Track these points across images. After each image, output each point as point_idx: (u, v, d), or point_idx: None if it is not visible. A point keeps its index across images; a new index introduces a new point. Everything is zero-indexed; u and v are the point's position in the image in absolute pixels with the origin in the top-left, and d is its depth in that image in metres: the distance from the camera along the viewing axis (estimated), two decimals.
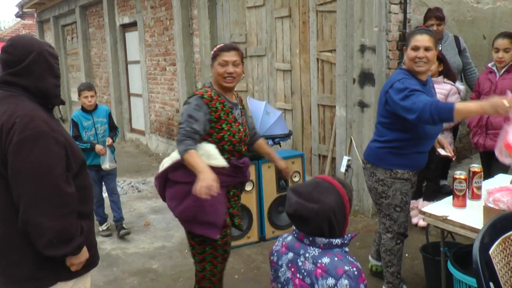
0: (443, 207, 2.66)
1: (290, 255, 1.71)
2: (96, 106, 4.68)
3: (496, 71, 3.85)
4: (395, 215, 2.96)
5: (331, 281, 1.55)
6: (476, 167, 2.72)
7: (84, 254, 1.98)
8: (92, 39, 11.66)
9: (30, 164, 1.80)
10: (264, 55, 6.22)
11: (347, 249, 1.66)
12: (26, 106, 1.88)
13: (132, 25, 9.53)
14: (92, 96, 4.58)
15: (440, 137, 3.07)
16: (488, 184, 2.80)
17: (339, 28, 4.82)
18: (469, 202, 2.67)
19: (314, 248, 1.65)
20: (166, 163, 2.65)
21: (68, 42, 13.74)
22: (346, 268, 1.56)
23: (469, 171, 2.71)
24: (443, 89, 4.02)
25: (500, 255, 1.78)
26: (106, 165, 4.59)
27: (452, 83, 4.05)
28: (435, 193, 4.19)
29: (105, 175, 4.75)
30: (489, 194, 2.33)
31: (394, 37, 4.59)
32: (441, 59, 4.02)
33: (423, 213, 2.66)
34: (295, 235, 1.72)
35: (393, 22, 4.56)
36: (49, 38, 14.88)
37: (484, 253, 1.68)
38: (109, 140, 4.65)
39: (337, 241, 1.63)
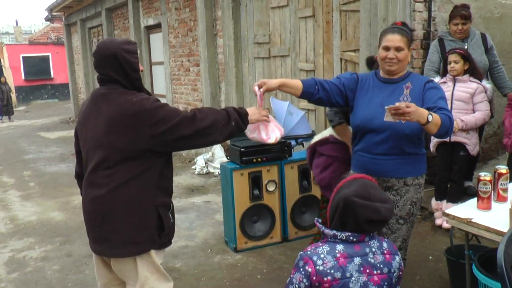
0: (467, 209, 2.61)
1: (357, 260, 1.69)
2: None
3: None
4: None
5: (397, 258, 1.76)
6: (502, 168, 2.66)
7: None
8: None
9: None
10: (287, 55, 6.21)
11: None
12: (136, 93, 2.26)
13: (157, 26, 9.65)
14: None
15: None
16: None
17: (363, 27, 4.78)
18: (494, 204, 2.61)
19: (373, 241, 1.75)
20: (317, 137, 3.46)
21: (94, 44, 13.99)
22: (392, 242, 1.78)
23: (495, 172, 2.65)
24: (469, 87, 3.95)
25: None
26: None
27: (479, 82, 3.96)
28: (459, 195, 4.11)
29: None
30: None
31: (418, 36, 4.52)
32: (466, 57, 3.95)
33: (447, 215, 2.61)
34: (354, 240, 1.70)
35: (418, 20, 4.50)
36: (76, 40, 15.20)
37: (509, 257, 1.65)
38: None
39: None
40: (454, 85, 4.00)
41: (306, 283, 1.67)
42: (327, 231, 1.75)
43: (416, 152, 2.61)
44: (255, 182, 4.11)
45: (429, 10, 4.53)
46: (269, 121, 2.51)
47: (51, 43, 24.17)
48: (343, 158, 3.27)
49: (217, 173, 6.94)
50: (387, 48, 2.55)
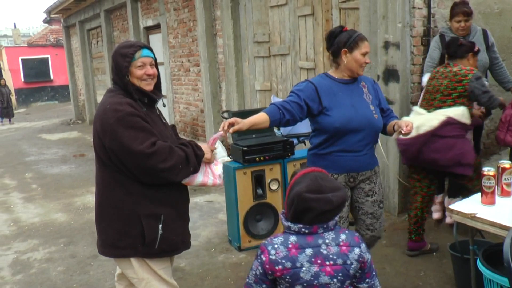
0: (471, 205, 2.62)
1: (309, 251, 1.75)
2: None
3: None
4: None
5: (357, 250, 1.76)
6: (506, 163, 2.66)
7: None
8: (117, 42, 11.85)
9: None
10: (287, 54, 6.22)
11: None
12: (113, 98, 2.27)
13: (156, 27, 9.65)
14: None
15: (398, 121, 2.82)
16: None
17: (363, 25, 4.78)
18: (498, 199, 2.62)
19: (328, 232, 1.77)
20: (422, 127, 3.48)
21: (93, 46, 14.00)
22: (356, 234, 1.81)
23: (498, 167, 2.65)
24: None
25: None
26: None
27: None
28: (459, 189, 4.12)
29: None
30: None
31: (418, 33, 4.53)
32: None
33: (451, 210, 2.62)
34: (306, 231, 1.76)
35: (417, 17, 4.50)
36: (75, 42, 15.20)
37: None
38: None
39: (337, 217, 1.81)
40: None
41: (261, 271, 1.79)
42: (283, 223, 1.83)
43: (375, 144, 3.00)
44: (258, 181, 4.12)
45: (429, 7, 4.54)
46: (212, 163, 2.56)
47: (50, 45, 24.17)
48: (463, 135, 3.59)
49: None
50: (366, 54, 2.75)
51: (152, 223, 2.25)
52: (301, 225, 1.76)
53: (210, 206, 5.63)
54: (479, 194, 2.67)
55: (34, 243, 4.85)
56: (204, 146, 2.46)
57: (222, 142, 7.49)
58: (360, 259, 1.77)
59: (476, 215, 2.46)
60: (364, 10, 4.74)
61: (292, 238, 1.77)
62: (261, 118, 2.69)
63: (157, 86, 2.43)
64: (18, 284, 3.95)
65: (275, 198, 4.20)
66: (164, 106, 2.69)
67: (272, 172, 4.16)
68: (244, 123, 2.58)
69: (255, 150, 4.05)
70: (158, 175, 2.20)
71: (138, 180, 2.23)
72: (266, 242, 1.82)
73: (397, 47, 4.46)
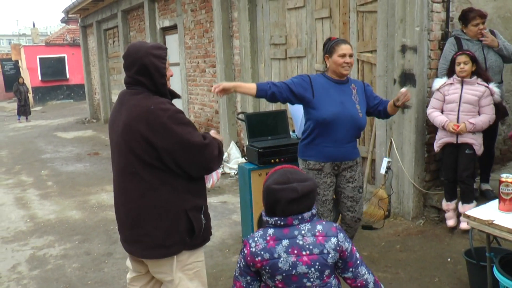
0: (488, 211, 2.60)
1: (285, 242, 1.83)
2: None
3: None
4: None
5: (333, 239, 1.83)
6: None
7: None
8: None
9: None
10: (304, 56, 6.22)
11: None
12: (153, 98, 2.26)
13: (173, 28, 9.72)
14: None
15: (392, 100, 3.28)
16: None
17: (380, 28, 4.77)
18: None
19: (304, 224, 1.85)
20: None
21: (109, 46, 14.14)
22: (334, 225, 1.89)
23: None
24: (476, 90, 3.94)
25: None
26: None
27: (486, 85, 3.94)
28: (472, 194, 4.08)
29: None
30: None
31: (436, 37, 4.51)
32: (474, 59, 3.95)
33: (468, 216, 2.61)
34: (282, 223, 1.85)
35: (435, 21, 4.48)
36: (92, 42, 15.37)
37: None
38: None
39: (314, 210, 1.88)
40: (462, 87, 3.98)
41: (244, 263, 1.90)
42: (262, 218, 1.94)
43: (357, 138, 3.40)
44: None
45: (447, 11, 4.51)
46: None
47: (67, 45, 24.45)
48: None
49: (233, 174, 6.97)
50: (343, 55, 3.18)
51: (197, 215, 2.34)
52: (276, 218, 1.85)
53: (224, 207, 5.66)
54: (496, 200, 2.65)
55: (50, 240, 4.92)
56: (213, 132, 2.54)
57: (236, 143, 7.53)
58: (338, 248, 1.83)
59: (494, 222, 2.45)
60: (382, 14, 4.73)
61: (270, 231, 1.86)
62: (248, 84, 3.23)
63: None
64: (35, 280, 4.01)
65: None
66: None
67: None
68: (229, 84, 3.09)
69: (270, 152, 4.07)
70: (208, 166, 2.32)
71: (184, 176, 2.28)
72: (248, 236, 1.93)
73: (414, 51, 4.44)
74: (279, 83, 3.19)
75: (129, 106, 2.26)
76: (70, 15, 16.19)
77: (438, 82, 4.20)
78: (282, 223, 1.85)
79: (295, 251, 1.81)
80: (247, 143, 4.31)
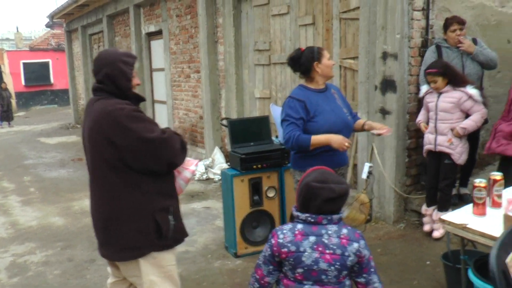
0: (462, 215, 2.66)
1: (312, 238, 1.95)
2: None
3: None
4: None
5: (355, 244, 1.94)
6: (497, 175, 2.71)
7: None
8: (118, 47, 11.93)
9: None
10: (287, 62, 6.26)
11: None
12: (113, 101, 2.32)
13: (158, 33, 9.72)
14: None
15: (369, 122, 3.44)
16: (509, 192, 2.78)
17: (362, 35, 4.84)
18: (489, 210, 2.66)
19: (332, 225, 1.97)
20: None
21: (95, 51, 14.08)
22: (358, 231, 1.99)
23: (490, 179, 2.70)
24: (452, 97, 3.98)
25: None
26: None
27: (462, 89, 3.97)
28: (447, 204, 4.13)
29: None
30: (509, 203, 2.33)
31: (416, 44, 4.59)
32: (442, 73, 3.97)
33: (443, 221, 2.66)
34: (312, 220, 1.96)
35: (416, 28, 4.57)
36: (77, 47, 15.29)
37: (501, 262, 1.69)
38: None
39: (342, 214, 2.00)
40: (439, 96, 4.06)
41: (269, 252, 2.01)
42: (293, 213, 2.04)
43: None
44: (255, 188, 4.16)
45: (427, 18, 4.60)
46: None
47: (51, 50, 24.28)
48: None
49: (217, 179, 6.98)
50: (331, 57, 3.28)
51: (165, 215, 2.37)
52: (308, 215, 1.97)
53: (208, 213, 5.67)
54: (470, 205, 2.71)
55: (32, 246, 4.88)
56: None
57: (221, 149, 7.55)
58: (358, 253, 1.95)
59: (467, 226, 2.51)
60: (363, 21, 4.80)
61: (299, 226, 1.98)
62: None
63: None
64: (15, 287, 3.98)
65: (272, 206, 4.24)
66: None
67: (270, 180, 4.20)
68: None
69: (253, 158, 4.10)
70: (171, 160, 2.34)
71: (150, 177, 2.32)
72: (277, 228, 2.05)
73: (395, 58, 4.51)
74: (294, 127, 3.14)
75: (92, 111, 2.34)
76: (54, 20, 16.10)
77: (422, 90, 4.31)
78: (312, 220, 1.97)
79: (320, 249, 1.93)
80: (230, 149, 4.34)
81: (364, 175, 4.73)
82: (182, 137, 2.45)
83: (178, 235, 2.47)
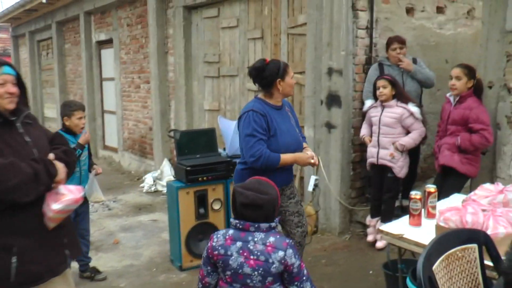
0: (400, 226, 2.76)
1: (239, 243, 2.06)
2: None
3: (452, 101, 3.97)
4: None
5: (281, 253, 2.02)
6: (431, 187, 2.84)
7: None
8: (68, 55, 11.62)
9: None
10: (236, 75, 6.32)
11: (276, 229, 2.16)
12: None
13: (108, 42, 9.55)
14: (84, 118, 3.88)
15: (307, 148, 3.37)
16: (442, 204, 2.92)
17: (309, 51, 4.96)
18: (424, 221, 2.77)
19: (259, 232, 2.06)
20: None
21: (43, 58, 13.65)
22: (287, 241, 2.07)
23: (424, 191, 2.82)
24: (394, 113, 4.15)
25: (443, 271, 1.88)
26: (97, 195, 4.05)
27: (404, 106, 4.15)
28: (390, 215, 4.28)
29: (78, 211, 3.81)
30: (440, 214, 2.44)
31: (360, 61, 4.75)
32: (393, 83, 4.17)
33: (381, 231, 2.75)
34: (240, 227, 2.08)
35: (360, 46, 4.73)
36: (24, 53, 14.78)
37: (428, 269, 1.78)
38: (99, 169, 4.07)
39: (273, 224, 2.10)
40: (382, 110, 4.22)
41: (206, 254, 2.14)
42: (230, 220, 2.17)
43: None
44: (201, 200, 4.14)
45: (371, 37, 4.78)
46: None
47: None
48: None
49: (165, 191, 6.88)
50: (293, 76, 3.19)
51: (3, 255, 2.04)
52: (237, 221, 2.09)
53: (154, 225, 5.58)
54: (407, 216, 2.82)
55: None
56: (60, 165, 2.20)
57: (170, 161, 7.47)
58: (283, 261, 2.02)
59: (403, 236, 2.60)
60: (310, 37, 4.92)
61: (231, 231, 2.11)
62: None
63: (24, 102, 2.27)
64: None
65: (218, 218, 4.23)
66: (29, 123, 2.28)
67: (215, 192, 4.20)
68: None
69: (198, 170, 4.08)
70: (5, 196, 1.98)
71: None
72: (216, 232, 2.18)
73: (340, 74, 4.65)
74: (263, 144, 3.05)
75: None
76: (0, 24, 15.49)
77: (366, 104, 4.46)
78: (240, 227, 2.08)
79: (245, 254, 2.04)
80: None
81: (310, 188, 4.83)
82: (39, 170, 2.07)
83: (24, 279, 2.08)
